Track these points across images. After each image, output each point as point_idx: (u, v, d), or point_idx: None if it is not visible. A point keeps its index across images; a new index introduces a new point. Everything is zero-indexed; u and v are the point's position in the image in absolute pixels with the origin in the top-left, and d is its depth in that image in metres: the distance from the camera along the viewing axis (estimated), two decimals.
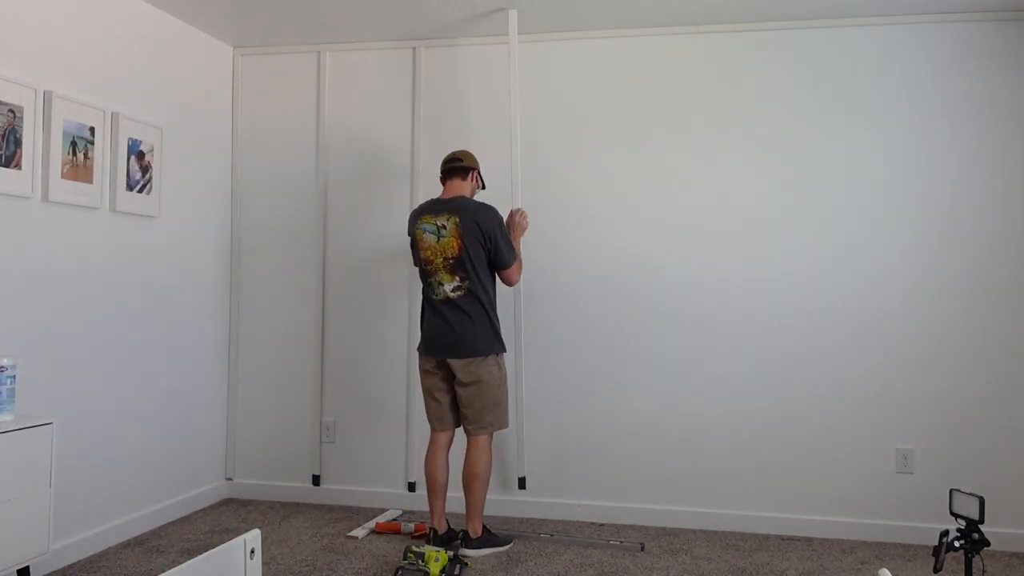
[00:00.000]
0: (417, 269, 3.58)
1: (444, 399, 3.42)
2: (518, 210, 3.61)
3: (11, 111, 2.91)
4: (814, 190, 3.72)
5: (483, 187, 3.60)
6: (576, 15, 3.72)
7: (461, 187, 3.41)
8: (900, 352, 3.63)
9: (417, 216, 3.39)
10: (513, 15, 3.68)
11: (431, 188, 4.06)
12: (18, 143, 2.93)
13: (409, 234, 3.45)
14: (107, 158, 3.39)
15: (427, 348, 3.38)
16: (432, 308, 3.37)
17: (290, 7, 3.69)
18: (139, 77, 3.59)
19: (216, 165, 4.17)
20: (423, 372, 3.44)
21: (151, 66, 3.67)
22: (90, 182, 3.27)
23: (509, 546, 3.44)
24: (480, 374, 3.31)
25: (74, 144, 3.19)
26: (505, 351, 3.44)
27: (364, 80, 4.18)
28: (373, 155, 4.16)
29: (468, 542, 3.34)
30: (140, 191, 3.56)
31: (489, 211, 3.33)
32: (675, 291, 3.83)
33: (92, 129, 3.28)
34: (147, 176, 3.61)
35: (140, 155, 3.56)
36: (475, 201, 3.37)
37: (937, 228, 3.61)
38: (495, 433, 3.52)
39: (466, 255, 3.28)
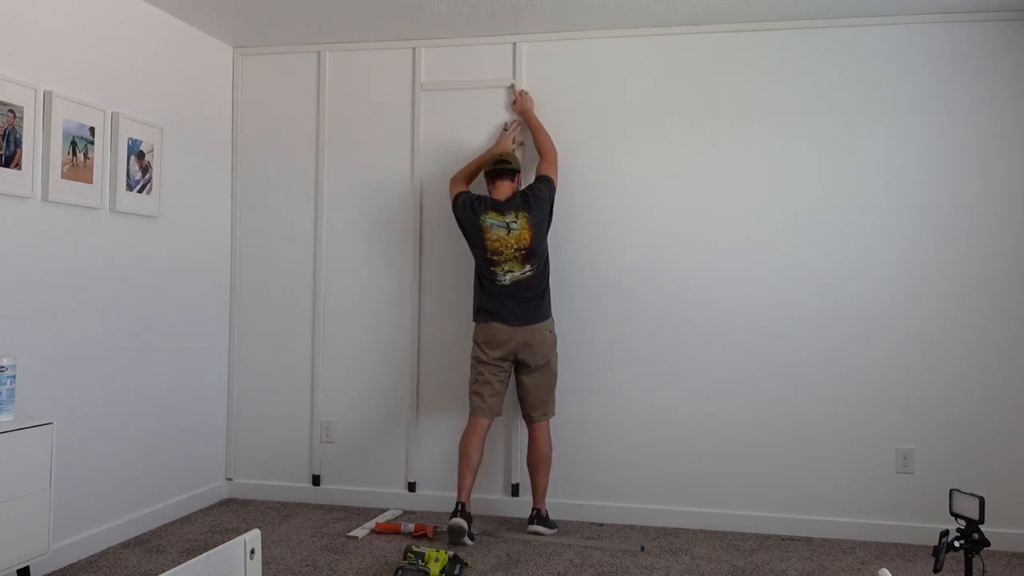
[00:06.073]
0: (471, 254, 3.76)
1: (500, 388, 3.58)
2: (521, 93, 3.91)
3: (11, 111, 2.91)
4: (814, 190, 3.72)
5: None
6: (576, 15, 3.72)
7: (512, 187, 3.64)
8: (900, 352, 3.63)
9: (481, 210, 3.59)
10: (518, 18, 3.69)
11: (433, 187, 4.06)
12: (18, 143, 2.94)
13: (460, 220, 3.66)
14: (107, 158, 3.39)
15: (494, 322, 3.55)
16: (499, 290, 3.56)
17: (290, 7, 3.69)
18: (139, 77, 3.59)
19: (216, 165, 4.17)
20: (482, 363, 3.57)
21: (151, 66, 3.67)
22: (90, 182, 3.27)
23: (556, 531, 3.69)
24: (548, 357, 3.59)
25: (74, 144, 3.19)
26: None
27: (364, 80, 4.18)
28: (373, 155, 4.16)
29: (544, 520, 3.60)
30: (140, 191, 3.56)
31: (540, 194, 3.58)
32: (675, 291, 3.83)
33: (92, 129, 3.29)
34: (147, 176, 3.61)
35: (140, 155, 3.56)
36: (527, 194, 3.60)
37: (938, 228, 3.61)
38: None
39: (536, 243, 3.56)
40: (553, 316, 3.69)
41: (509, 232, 3.53)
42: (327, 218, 4.19)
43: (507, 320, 3.55)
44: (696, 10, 3.63)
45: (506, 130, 3.92)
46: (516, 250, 3.53)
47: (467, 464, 3.50)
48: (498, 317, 3.56)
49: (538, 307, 3.57)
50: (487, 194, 3.66)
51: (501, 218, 3.54)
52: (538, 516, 3.61)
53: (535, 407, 3.62)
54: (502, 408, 3.66)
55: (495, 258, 3.55)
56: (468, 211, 3.61)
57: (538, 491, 3.64)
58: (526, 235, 3.53)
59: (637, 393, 3.86)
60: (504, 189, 3.61)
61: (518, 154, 3.91)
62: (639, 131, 3.89)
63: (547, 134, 3.79)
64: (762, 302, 3.75)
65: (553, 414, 3.68)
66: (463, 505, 3.42)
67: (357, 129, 4.18)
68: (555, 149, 3.76)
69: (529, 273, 3.55)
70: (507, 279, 3.55)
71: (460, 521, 3.34)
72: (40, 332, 3.06)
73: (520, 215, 3.54)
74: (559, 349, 3.81)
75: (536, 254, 3.56)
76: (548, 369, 3.61)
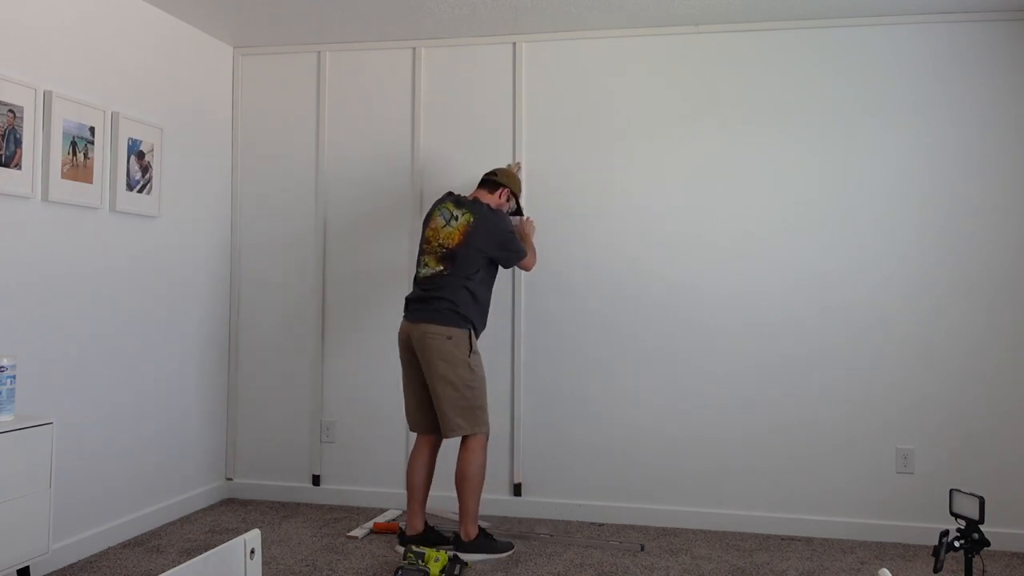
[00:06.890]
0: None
1: (412, 404, 3.41)
2: (527, 220, 3.78)
3: (11, 111, 2.91)
4: (814, 190, 3.72)
5: (520, 213, 3.65)
6: (576, 15, 3.72)
7: (487, 197, 3.46)
8: (900, 352, 3.63)
9: (443, 200, 3.47)
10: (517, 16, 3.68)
11: (433, 187, 4.06)
12: (18, 143, 2.94)
13: (428, 212, 3.51)
14: (107, 158, 3.39)
15: (404, 320, 3.38)
16: (415, 283, 3.41)
17: (290, 7, 3.69)
18: (139, 77, 3.59)
19: (216, 165, 4.17)
20: (402, 368, 3.43)
21: (151, 66, 3.67)
22: (90, 182, 3.27)
23: (509, 553, 3.33)
24: (439, 369, 3.22)
25: (74, 144, 3.19)
26: (475, 344, 3.33)
27: (364, 80, 4.18)
28: (374, 155, 4.16)
29: (459, 545, 3.27)
30: (140, 191, 3.56)
31: (498, 221, 3.38)
32: (674, 291, 3.83)
33: (92, 129, 3.29)
34: (147, 176, 3.61)
35: (140, 155, 3.56)
36: (492, 209, 3.39)
37: (937, 228, 3.61)
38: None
39: (460, 251, 3.30)
40: (468, 330, 3.27)
41: (447, 224, 3.35)
42: (327, 218, 4.19)
43: (407, 315, 3.36)
44: (696, 10, 3.63)
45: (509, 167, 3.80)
46: (439, 245, 3.33)
47: (406, 488, 3.45)
48: (405, 314, 3.39)
49: (438, 307, 3.25)
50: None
51: (452, 209, 3.39)
52: (457, 542, 3.28)
53: (441, 421, 3.27)
54: (431, 427, 3.37)
55: (424, 246, 3.39)
56: (433, 206, 3.50)
57: (459, 513, 3.30)
58: (456, 235, 3.31)
59: (636, 393, 3.86)
60: (479, 195, 3.45)
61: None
62: (639, 130, 3.89)
63: (534, 252, 3.64)
64: (762, 301, 3.75)
65: (470, 433, 3.26)
66: (402, 531, 3.37)
67: (357, 129, 4.18)
68: (534, 260, 3.58)
69: (440, 273, 3.30)
70: (422, 272, 3.36)
71: (399, 548, 3.32)
72: (40, 332, 3.06)
73: (467, 215, 3.34)
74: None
75: (455, 261, 3.28)
76: (446, 383, 3.21)
